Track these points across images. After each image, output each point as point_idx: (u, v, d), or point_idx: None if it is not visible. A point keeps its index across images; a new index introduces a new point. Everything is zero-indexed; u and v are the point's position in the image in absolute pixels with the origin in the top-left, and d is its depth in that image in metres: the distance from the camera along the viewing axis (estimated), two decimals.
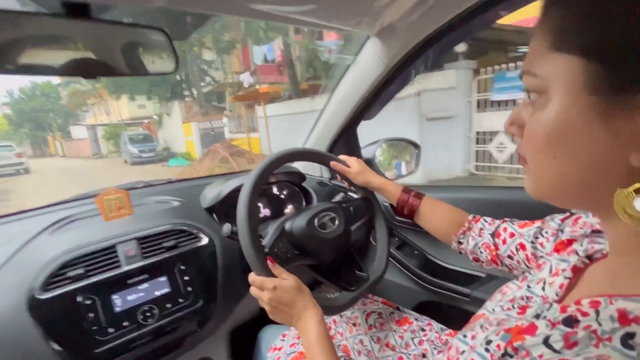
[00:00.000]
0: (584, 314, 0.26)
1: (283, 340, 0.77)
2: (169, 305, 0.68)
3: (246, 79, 11.58)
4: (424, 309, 0.94)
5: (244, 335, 0.90)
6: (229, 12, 0.52)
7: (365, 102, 0.93)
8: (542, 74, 0.28)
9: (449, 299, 0.87)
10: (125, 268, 0.67)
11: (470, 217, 0.66)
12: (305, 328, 0.55)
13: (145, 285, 0.68)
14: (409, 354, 0.70)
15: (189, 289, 0.71)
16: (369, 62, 0.83)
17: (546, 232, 0.51)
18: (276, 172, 0.97)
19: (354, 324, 0.78)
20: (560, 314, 0.28)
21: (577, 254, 0.41)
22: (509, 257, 0.57)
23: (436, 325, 0.76)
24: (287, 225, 0.70)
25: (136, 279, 0.67)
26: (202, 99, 15.03)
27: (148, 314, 0.66)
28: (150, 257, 0.70)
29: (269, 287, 0.58)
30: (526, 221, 0.57)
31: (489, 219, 0.64)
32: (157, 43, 0.60)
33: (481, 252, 0.62)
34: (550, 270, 0.41)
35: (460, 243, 0.66)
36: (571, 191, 0.29)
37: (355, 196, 0.84)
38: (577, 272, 0.38)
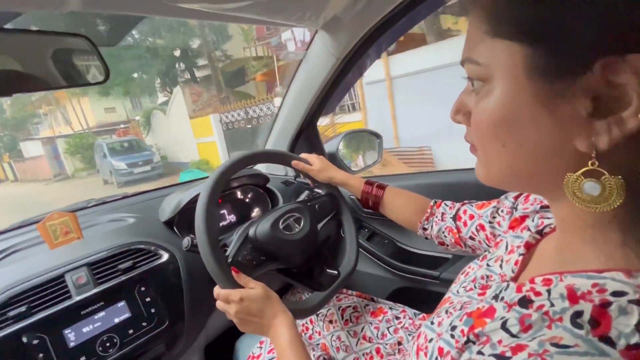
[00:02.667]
0: (537, 294, 0.27)
1: (260, 347, 0.76)
2: (131, 331, 0.64)
3: (296, 37, 8.00)
4: (398, 296, 0.95)
5: (221, 348, 0.87)
6: (155, 13, 0.47)
7: (321, 96, 0.92)
8: (483, 61, 0.28)
9: (420, 283, 0.89)
10: (77, 298, 0.62)
11: (432, 202, 0.67)
12: (277, 335, 0.54)
13: (101, 314, 0.63)
14: (386, 344, 0.71)
15: (152, 310, 0.67)
16: (319, 56, 0.81)
17: (502, 211, 0.53)
18: (238, 175, 0.94)
19: (331, 321, 0.78)
20: (516, 294, 0.28)
21: (529, 229, 0.42)
22: (471, 238, 0.59)
23: (410, 311, 0.77)
24: (251, 231, 0.67)
25: (90, 309, 0.62)
26: (220, 79, 10.56)
27: (108, 344, 0.61)
28: (105, 283, 0.65)
29: (235, 299, 0.56)
30: (484, 202, 0.59)
31: (449, 203, 0.65)
32: (82, 51, 0.55)
33: (445, 236, 0.63)
34: (507, 248, 0.42)
35: (425, 229, 0.67)
36: (521, 177, 0.29)
37: (321, 192, 0.83)
38: (530, 247, 0.39)
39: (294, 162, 0.78)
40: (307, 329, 0.81)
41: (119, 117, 16.82)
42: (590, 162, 0.24)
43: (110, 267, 0.68)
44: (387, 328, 0.73)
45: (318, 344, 0.78)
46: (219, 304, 0.59)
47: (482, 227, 0.56)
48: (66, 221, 0.77)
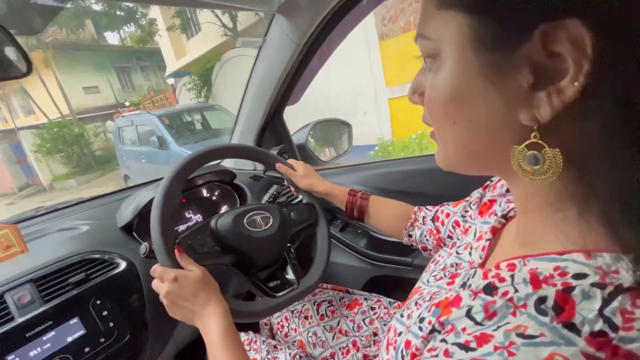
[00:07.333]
0: (501, 280, 0.26)
1: None
2: (87, 350, 0.59)
3: None
4: (374, 285, 0.95)
5: (193, 355, 0.84)
6: None
7: (285, 85, 0.88)
8: (433, 36, 0.27)
9: (394, 270, 0.89)
10: (20, 319, 0.55)
11: (415, 208, 0.66)
12: (207, 324, 0.49)
13: (51, 334, 0.57)
14: (361, 336, 0.70)
15: (110, 324, 0.62)
16: (278, 43, 0.76)
17: (472, 205, 0.52)
18: (203, 172, 0.89)
19: (306, 317, 0.76)
20: (482, 281, 0.28)
21: (496, 214, 0.42)
22: (449, 237, 0.58)
23: (385, 301, 0.77)
24: (212, 222, 0.64)
25: (38, 329, 0.56)
26: None
27: None
28: (54, 300, 0.59)
29: (169, 277, 0.51)
30: (459, 200, 0.58)
31: (430, 207, 0.65)
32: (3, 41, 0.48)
33: (427, 239, 0.62)
34: (475, 234, 0.42)
35: (410, 236, 0.66)
36: (475, 156, 0.29)
37: (299, 197, 0.79)
38: (496, 232, 0.38)
39: (277, 165, 0.75)
40: (282, 326, 0.79)
41: (105, 100, 11.40)
42: (532, 135, 0.24)
43: (59, 282, 0.61)
44: (363, 320, 0.73)
45: (294, 341, 0.76)
46: (154, 283, 0.55)
47: (457, 224, 0.56)
48: (6, 234, 0.70)
